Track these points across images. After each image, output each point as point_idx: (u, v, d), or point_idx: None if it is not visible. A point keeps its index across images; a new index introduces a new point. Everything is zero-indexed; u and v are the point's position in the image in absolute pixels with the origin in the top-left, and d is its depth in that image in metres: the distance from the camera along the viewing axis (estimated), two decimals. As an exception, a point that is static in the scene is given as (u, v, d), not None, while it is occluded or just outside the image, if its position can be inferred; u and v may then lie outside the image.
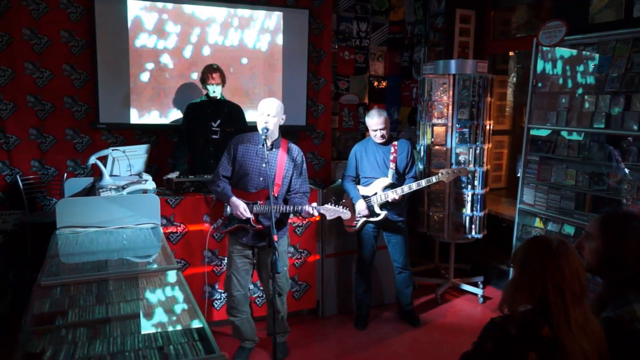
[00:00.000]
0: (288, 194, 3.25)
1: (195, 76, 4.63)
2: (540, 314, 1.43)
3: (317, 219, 3.91)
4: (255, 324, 3.44)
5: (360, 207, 3.69)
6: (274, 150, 3.17)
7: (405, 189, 3.64)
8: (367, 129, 5.63)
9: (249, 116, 4.42)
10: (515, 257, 1.54)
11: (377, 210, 3.71)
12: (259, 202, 3.11)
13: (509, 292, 1.52)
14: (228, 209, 3.20)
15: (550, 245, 1.49)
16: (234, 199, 3.12)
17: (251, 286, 3.67)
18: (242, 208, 3.08)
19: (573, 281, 1.45)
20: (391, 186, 3.69)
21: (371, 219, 3.75)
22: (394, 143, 3.76)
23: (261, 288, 3.69)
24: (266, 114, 3.08)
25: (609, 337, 1.50)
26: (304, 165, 3.29)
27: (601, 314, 1.63)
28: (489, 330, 1.47)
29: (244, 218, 3.09)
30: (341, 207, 3.19)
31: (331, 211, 3.17)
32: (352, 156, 3.86)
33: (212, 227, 3.30)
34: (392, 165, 3.72)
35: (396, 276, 3.97)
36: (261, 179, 3.11)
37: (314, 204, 3.15)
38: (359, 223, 3.78)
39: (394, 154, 3.73)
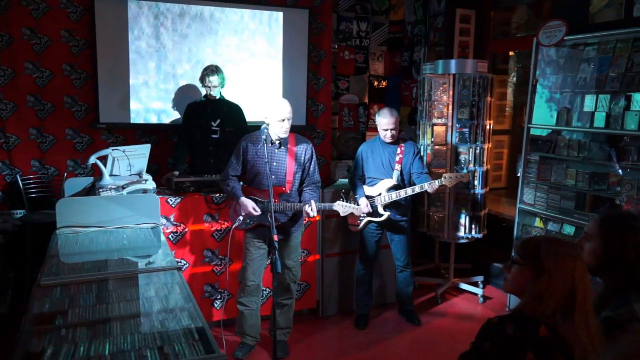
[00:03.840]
0: (301, 186, 3.31)
1: (195, 76, 4.62)
2: (539, 314, 1.44)
3: (318, 218, 3.91)
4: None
5: (362, 204, 3.69)
6: (282, 148, 3.22)
7: (409, 191, 3.64)
8: (367, 129, 5.70)
9: (249, 116, 4.41)
10: (538, 259, 1.48)
11: (380, 210, 3.71)
12: (273, 200, 3.13)
13: (535, 294, 1.46)
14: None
15: (577, 249, 1.51)
16: (243, 199, 3.18)
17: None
18: (250, 207, 3.15)
19: (589, 281, 1.48)
20: (395, 187, 3.69)
21: (374, 219, 3.75)
22: (400, 144, 3.75)
23: (262, 287, 3.70)
24: (287, 118, 3.11)
25: (609, 337, 1.51)
26: (314, 157, 3.33)
27: (601, 313, 1.63)
28: (486, 330, 1.47)
29: (255, 215, 3.15)
30: (352, 202, 3.26)
31: (344, 207, 3.25)
32: (359, 156, 3.87)
33: (233, 226, 3.32)
34: (397, 166, 3.72)
35: (397, 275, 3.98)
36: (273, 177, 3.15)
37: (311, 202, 3.18)
38: (363, 222, 3.79)
39: (400, 155, 3.73)
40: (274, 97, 4.77)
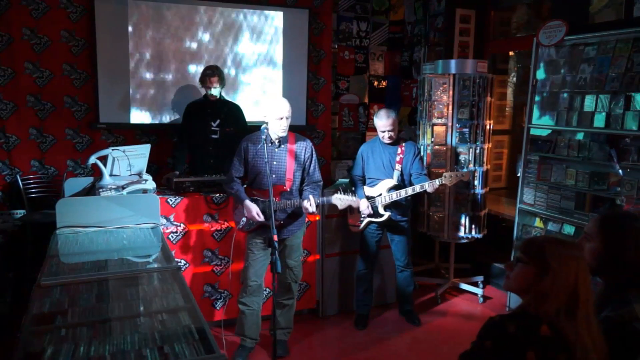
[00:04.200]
0: (302, 185, 3.32)
1: (195, 76, 4.62)
2: (543, 313, 1.44)
3: (318, 218, 3.91)
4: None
5: (362, 206, 3.69)
6: (282, 146, 3.23)
7: (409, 191, 3.63)
8: (367, 129, 5.70)
9: (249, 116, 4.42)
10: (543, 258, 1.49)
11: (381, 211, 3.71)
12: (274, 199, 3.12)
13: (539, 293, 1.47)
14: None
15: (580, 250, 1.54)
16: (247, 202, 3.18)
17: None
18: (254, 212, 3.14)
19: (590, 283, 1.49)
20: (396, 187, 3.69)
21: (375, 220, 3.75)
22: (401, 144, 3.75)
23: (266, 288, 3.70)
24: (286, 116, 3.12)
25: (609, 337, 1.51)
26: (314, 155, 3.33)
27: (601, 314, 1.63)
28: (487, 329, 1.47)
29: (259, 220, 3.15)
30: (350, 194, 3.24)
31: (342, 200, 3.23)
32: (359, 156, 3.87)
33: (237, 227, 3.34)
34: (398, 166, 3.72)
35: (397, 275, 3.98)
36: (274, 176, 3.16)
37: (310, 197, 3.17)
38: (363, 223, 3.79)
39: (401, 155, 3.73)
40: (274, 96, 4.78)
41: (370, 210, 3.69)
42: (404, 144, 3.76)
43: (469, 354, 1.50)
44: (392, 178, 3.71)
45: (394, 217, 3.76)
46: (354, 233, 3.91)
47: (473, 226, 4.37)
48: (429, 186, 3.58)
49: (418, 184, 3.63)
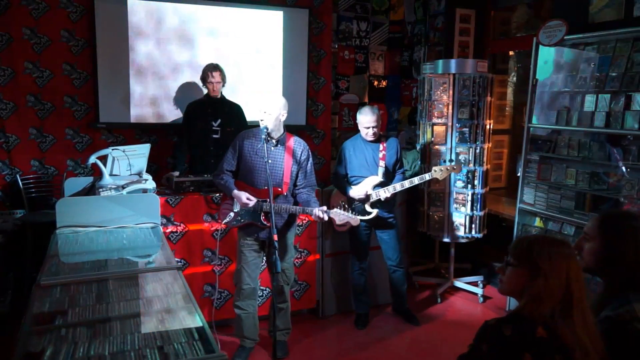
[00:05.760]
0: (295, 187, 3.26)
1: (195, 75, 4.62)
2: (537, 315, 1.44)
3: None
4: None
5: (355, 192, 3.62)
6: (279, 147, 3.19)
7: (398, 187, 3.60)
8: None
9: (249, 116, 4.42)
10: (532, 260, 1.48)
11: (367, 209, 3.66)
12: (268, 200, 3.03)
13: (533, 295, 1.46)
14: (237, 204, 3.21)
15: (570, 247, 1.52)
16: (236, 191, 3.15)
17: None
18: (244, 198, 3.11)
19: (583, 280, 1.48)
20: (381, 184, 3.65)
21: (362, 218, 3.70)
22: (382, 141, 3.72)
23: (262, 287, 3.70)
24: (262, 110, 3.09)
25: (609, 337, 1.51)
26: (310, 158, 3.30)
27: (601, 314, 1.63)
28: (483, 332, 1.47)
29: (251, 206, 3.11)
30: (350, 212, 3.17)
31: (341, 216, 3.16)
32: (342, 154, 3.79)
33: (222, 222, 3.29)
34: (381, 163, 3.67)
35: (390, 275, 3.95)
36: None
37: (324, 208, 3.13)
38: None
39: (383, 152, 3.69)
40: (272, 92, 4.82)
41: (363, 195, 3.60)
42: (385, 141, 3.73)
43: (466, 357, 1.50)
44: (377, 174, 3.65)
45: (381, 214, 3.70)
46: (345, 233, 3.86)
47: (473, 226, 4.34)
48: (419, 181, 3.58)
49: (406, 180, 3.62)
